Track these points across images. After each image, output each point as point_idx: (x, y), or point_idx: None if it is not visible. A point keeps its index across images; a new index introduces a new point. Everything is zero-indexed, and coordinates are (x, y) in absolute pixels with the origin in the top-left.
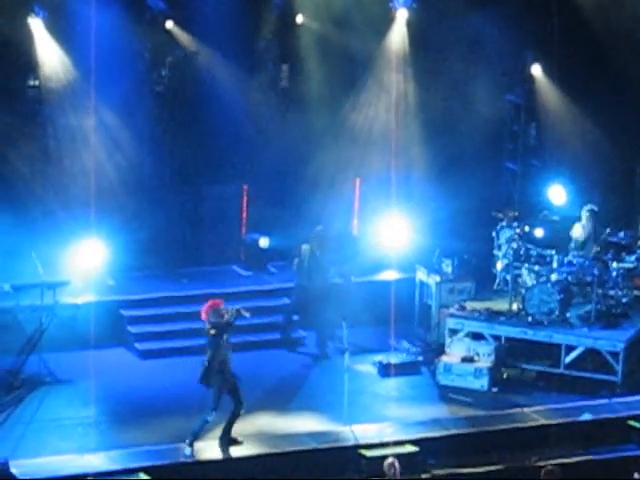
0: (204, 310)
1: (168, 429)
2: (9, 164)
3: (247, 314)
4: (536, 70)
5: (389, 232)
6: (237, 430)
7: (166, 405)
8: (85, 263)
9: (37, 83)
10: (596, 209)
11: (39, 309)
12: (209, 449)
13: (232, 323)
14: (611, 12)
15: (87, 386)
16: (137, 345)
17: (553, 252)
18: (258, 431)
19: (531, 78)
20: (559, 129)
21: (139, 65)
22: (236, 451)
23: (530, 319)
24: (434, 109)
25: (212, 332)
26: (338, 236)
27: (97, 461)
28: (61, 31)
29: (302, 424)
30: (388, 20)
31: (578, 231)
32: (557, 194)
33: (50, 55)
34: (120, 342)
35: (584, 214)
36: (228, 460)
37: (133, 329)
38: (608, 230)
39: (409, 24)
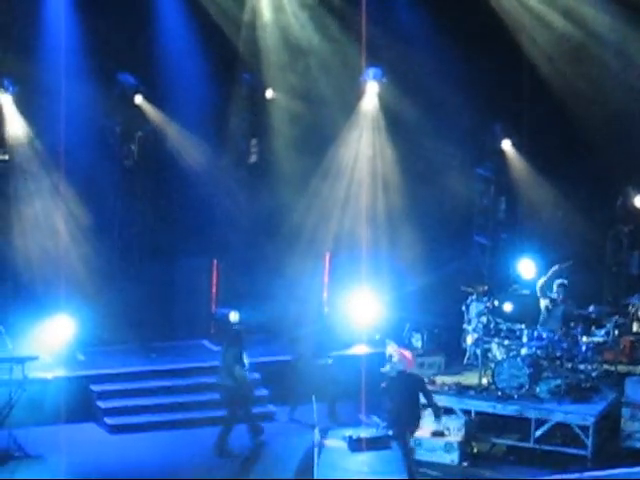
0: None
1: None
2: None
3: None
4: (506, 144)
5: (359, 306)
6: None
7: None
8: (55, 338)
9: (5, 158)
10: (566, 283)
11: (8, 384)
12: None
13: None
14: (580, 88)
15: (57, 461)
16: (106, 420)
17: (523, 326)
18: None
19: (501, 152)
20: (529, 203)
21: (109, 139)
22: None
23: (500, 393)
24: (404, 183)
25: None
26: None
27: None
28: (30, 105)
29: None
30: (357, 94)
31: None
32: (527, 268)
33: (18, 130)
34: (89, 417)
35: (555, 287)
36: None
37: (102, 404)
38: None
39: (379, 98)
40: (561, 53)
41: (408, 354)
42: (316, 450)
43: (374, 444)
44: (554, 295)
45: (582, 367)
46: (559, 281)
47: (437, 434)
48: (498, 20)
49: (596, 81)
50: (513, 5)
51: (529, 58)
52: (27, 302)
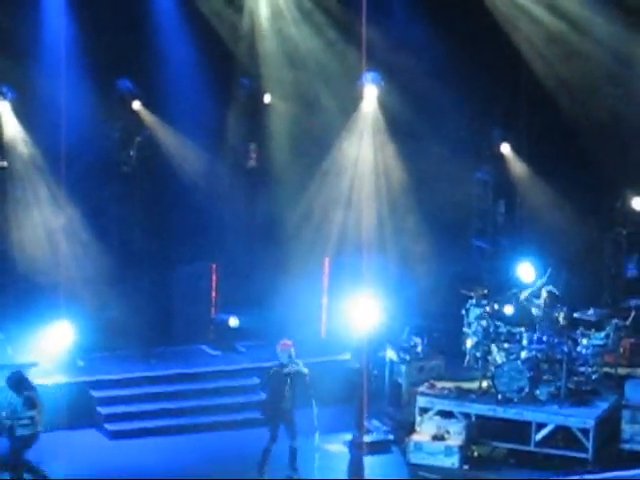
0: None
1: None
2: None
3: None
4: (505, 148)
5: (359, 311)
6: None
7: None
8: (54, 344)
9: (4, 164)
10: (556, 292)
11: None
12: None
13: None
14: (576, 90)
15: (58, 467)
16: (107, 426)
17: (522, 329)
18: None
19: (500, 156)
20: (527, 207)
21: (107, 145)
22: None
23: (500, 397)
24: (403, 187)
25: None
26: None
27: None
28: (29, 112)
29: None
30: (356, 98)
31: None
32: (526, 271)
33: (16, 137)
34: (90, 423)
35: (543, 294)
36: None
37: (103, 410)
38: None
39: (378, 102)
40: (558, 56)
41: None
42: (317, 455)
43: (374, 448)
44: (540, 302)
45: (582, 370)
46: (549, 288)
47: (437, 438)
48: (496, 24)
49: (594, 84)
50: (508, 7)
51: (527, 62)
52: (27, 309)
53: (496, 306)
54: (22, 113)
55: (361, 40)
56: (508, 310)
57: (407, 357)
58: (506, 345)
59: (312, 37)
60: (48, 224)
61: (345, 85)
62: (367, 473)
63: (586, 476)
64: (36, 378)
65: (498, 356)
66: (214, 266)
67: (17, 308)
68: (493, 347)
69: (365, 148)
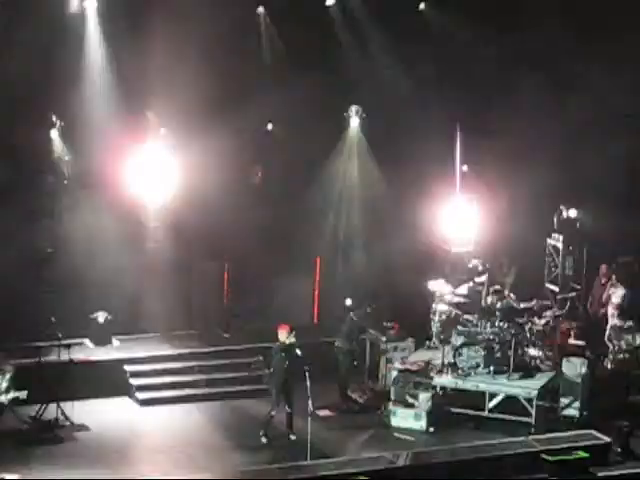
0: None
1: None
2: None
3: None
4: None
5: (345, 300)
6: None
7: (161, 442)
8: (95, 327)
9: (53, 182)
10: (500, 289)
11: (57, 365)
12: None
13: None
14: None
15: (97, 427)
16: (138, 395)
17: (477, 316)
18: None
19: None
20: (489, 218)
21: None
22: None
23: (460, 371)
24: (383, 203)
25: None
26: None
27: None
28: (75, 137)
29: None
30: (341, 126)
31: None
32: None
33: (63, 157)
34: (124, 392)
35: (491, 292)
36: None
37: (134, 381)
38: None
39: (361, 129)
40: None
41: (286, 326)
42: (309, 419)
43: (358, 412)
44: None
45: (527, 349)
46: (495, 287)
47: (408, 405)
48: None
49: None
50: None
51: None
52: (73, 298)
53: (457, 299)
54: (68, 138)
55: (347, 79)
56: (467, 301)
57: (384, 339)
58: (465, 330)
59: (306, 74)
60: (88, 230)
61: (334, 116)
62: (350, 433)
63: (530, 437)
64: (80, 355)
65: (458, 339)
66: (226, 264)
67: (65, 297)
68: (453, 332)
69: (350, 166)
